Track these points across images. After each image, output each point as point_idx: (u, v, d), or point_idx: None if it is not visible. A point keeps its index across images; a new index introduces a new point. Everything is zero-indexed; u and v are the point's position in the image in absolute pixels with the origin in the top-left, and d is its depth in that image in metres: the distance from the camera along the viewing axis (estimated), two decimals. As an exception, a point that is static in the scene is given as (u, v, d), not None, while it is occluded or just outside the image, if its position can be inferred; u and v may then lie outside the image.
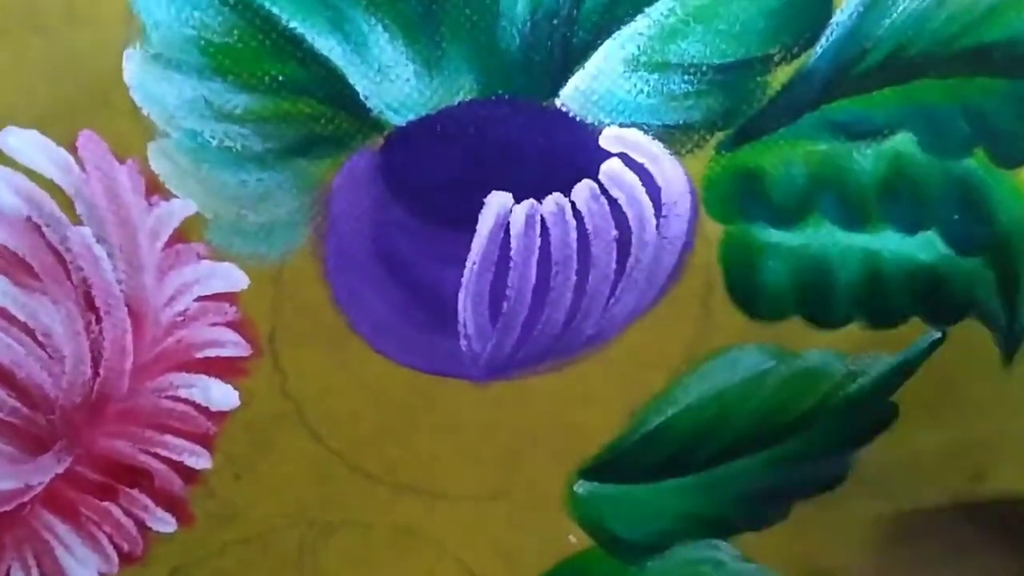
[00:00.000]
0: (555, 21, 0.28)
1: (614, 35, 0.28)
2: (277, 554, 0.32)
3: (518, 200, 0.30)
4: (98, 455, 0.30)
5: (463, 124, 0.29)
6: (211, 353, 0.30)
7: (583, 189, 0.30)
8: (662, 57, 0.29)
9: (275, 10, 0.27)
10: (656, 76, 0.29)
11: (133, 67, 0.27)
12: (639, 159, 0.30)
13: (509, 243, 0.30)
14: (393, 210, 0.29)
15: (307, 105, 0.28)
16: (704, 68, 0.29)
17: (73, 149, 0.27)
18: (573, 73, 0.29)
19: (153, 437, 0.30)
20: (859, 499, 0.34)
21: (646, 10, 0.28)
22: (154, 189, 0.28)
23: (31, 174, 0.27)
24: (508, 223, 0.30)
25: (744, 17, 0.28)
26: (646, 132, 0.29)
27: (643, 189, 0.30)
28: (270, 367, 0.30)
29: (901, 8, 0.30)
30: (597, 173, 0.30)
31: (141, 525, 0.31)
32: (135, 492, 0.31)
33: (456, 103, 0.28)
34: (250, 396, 0.30)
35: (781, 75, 0.29)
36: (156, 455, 0.30)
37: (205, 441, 0.31)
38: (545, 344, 0.32)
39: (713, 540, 0.34)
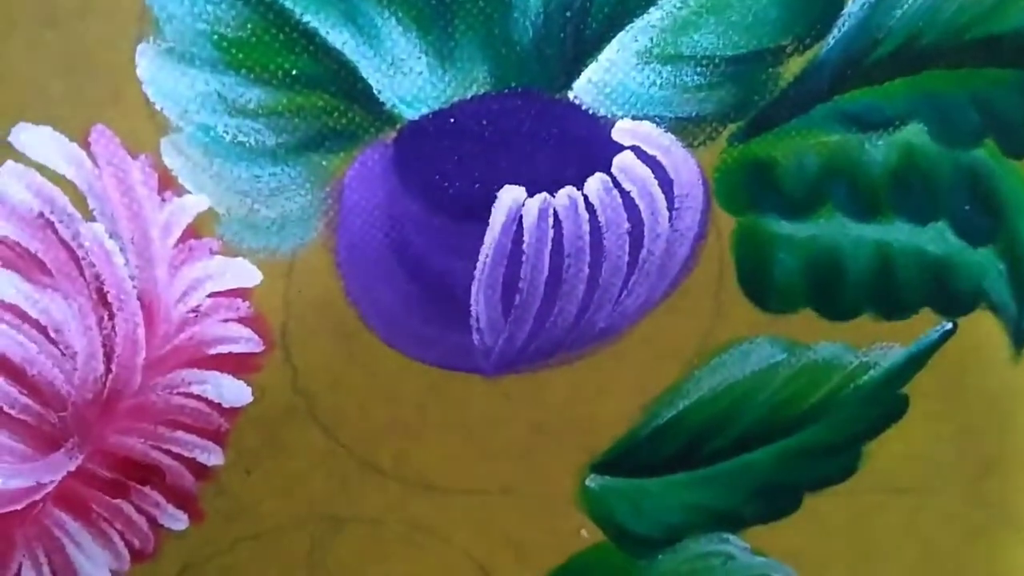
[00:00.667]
0: (568, 13, 0.28)
1: (627, 27, 0.28)
2: (287, 550, 0.32)
3: (531, 193, 0.30)
4: (110, 452, 0.30)
5: (476, 117, 0.28)
6: (223, 349, 0.30)
7: (596, 182, 0.30)
8: (675, 49, 0.29)
9: (288, 4, 0.26)
10: (669, 68, 0.29)
11: (146, 61, 0.26)
12: (651, 151, 0.30)
13: (522, 236, 0.30)
14: (406, 204, 0.29)
15: (320, 99, 0.28)
16: (716, 60, 0.29)
17: (86, 144, 0.27)
18: (586, 66, 0.29)
19: (165, 434, 0.30)
20: (869, 492, 0.34)
21: (658, 2, 0.28)
22: (167, 184, 0.28)
23: (43, 170, 0.27)
24: (521, 216, 0.30)
25: (756, 8, 0.28)
26: (659, 124, 0.29)
27: (655, 182, 0.30)
28: (282, 362, 0.30)
29: (912, -1, 0.30)
30: (610, 166, 0.30)
31: (153, 522, 0.31)
32: (147, 489, 0.31)
33: (469, 96, 0.28)
34: (261, 391, 0.30)
35: (793, 66, 0.29)
36: (168, 452, 0.30)
37: (217, 437, 0.30)
38: (557, 337, 0.31)
39: (723, 534, 0.34)
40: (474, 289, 0.30)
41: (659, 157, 0.30)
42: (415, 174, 0.29)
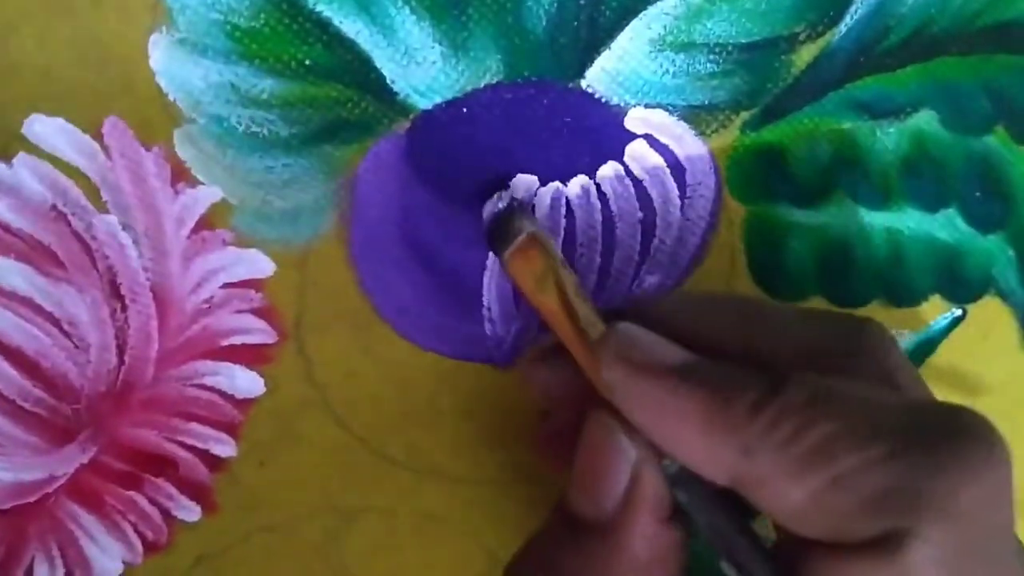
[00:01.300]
0: (581, 2, 0.28)
1: (640, 15, 0.28)
2: (301, 541, 0.32)
3: (544, 182, 0.29)
4: (123, 444, 0.30)
5: (489, 107, 0.28)
6: (236, 340, 0.30)
7: (608, 170, 0.30)
8: (688, 37, 0.29)
9: (302, -7, 0.26)
10: (682, 56, 0.29)
11: (159, 52, 0.26)
12: (664, 140, 0.30)
13: (534, 226, 0.30)
14: (419, 194, 0.29)
15: (334, 89, 0.27)
16: (730, 47, 0.29)
17: (99, 136, 0.27)
18: (599, 54, 0.29)
19: (178, 425, 0.30)
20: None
21: (672, -10, 0.28)
22: (180, 176, 0.28)
23: (56, 161, 0.27)
24: (534, 206, 0.30)
25: (769, -4, 0.28)
26: (671, 113, 0.29)
27: (668, 170, 0.30)
28: (295, 353, 0.30)
29: (924, -14, 0.30)
30: (622, 154, 0.30)
31: (166, 514, 0.31)
32: (160, 481, 0.30)
33: (482, 86, 0.28)
34: (275, 383, 0.30)
35: (806, 54, 0.29)
36: (181, 443, 0.30)
37: (230, 429, 0.30)
38: (569, 327, 0.31)
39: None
40: (487, 279, 0.30)
41: (671, 145, 0.30)
42: (428, 164, 0.29)
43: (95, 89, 0.27)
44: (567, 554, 0.26)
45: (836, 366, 0.24)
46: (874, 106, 0.30)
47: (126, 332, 0.29)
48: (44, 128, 0.27)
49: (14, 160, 0.27)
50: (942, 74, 0.30)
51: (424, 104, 0.28)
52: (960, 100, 0.31)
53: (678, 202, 0.30)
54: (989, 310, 0.33)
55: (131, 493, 0.30)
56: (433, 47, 0.28)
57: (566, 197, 0.30)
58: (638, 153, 0.30)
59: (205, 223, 0.28)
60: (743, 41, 0.29)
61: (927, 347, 0.33)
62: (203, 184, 0.28)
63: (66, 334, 0.28)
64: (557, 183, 0.29)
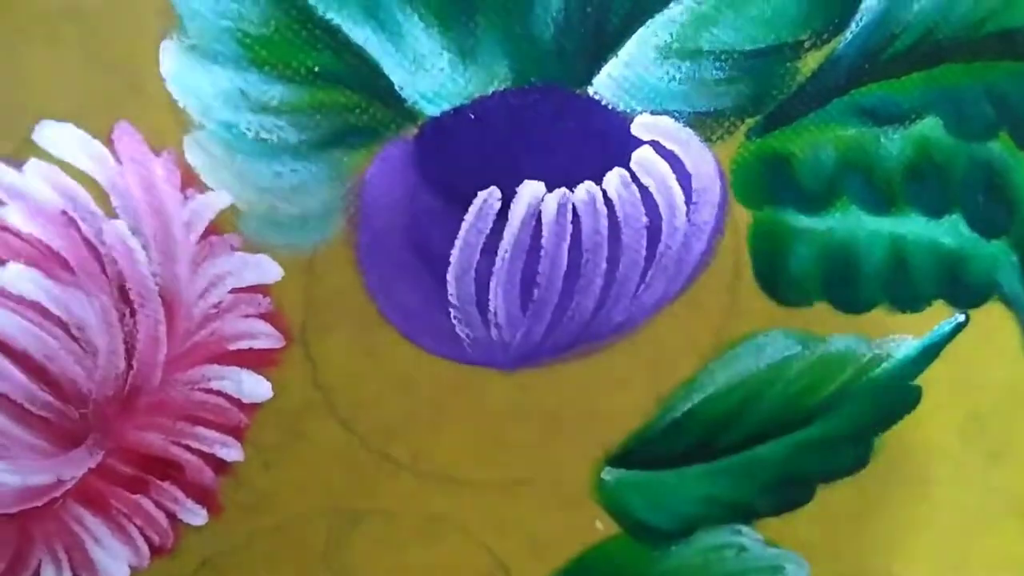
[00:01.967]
0: (588, 9, 0.28)
1: (647, 23, 0.28)
2: (305, 543, 0.32)
3: (550, 188, 0.30)
4: (130, 448, 0.30)
5: (496, 113, 0.29)
6: (244, 345, 0.30)
7: (614, 177, 0.30)
8: (694, 44, 0.29)
9: (311, 1, 0.26)
10: (688, 63, 0.29)
11: (169, 58, 0.26)
12: (670, 146, 0.30)
13: (540, 231, 0.30)
14: (426, 199, 0.29)
15: (342, 95, 0.28)
16: (735, 54, 0.29)
17: (108, 141, 0.27)
18: (606, 61, 0.29)
19: (185, 429, 0.30)
20: (881, 483, 0.34)
21: (678, -3, 0.29)
22: (189, 181, 0.28)
23: (66, 167, 0.27)
24: (540, 211, 0.30)
25: (775, 3, 0.29)
26: (677, 119, 0.30)
27: (674, 176, 0.30)
28: (301, 357, 0.30)
29: (929, -7, 0.30)
30: (629, 160, 0.30)
31: (172, 517, 0.31)
32: (166, 484, 0.31)
33: (490, 92, 0.28)
34: (281, 386, 0.30)
35: (811, 61, 0.30)
36: (187, 447, 0.30)
37: (236, 432, 0.31)
38: (574, 331, 0.32)
39: (737, 525, 0.34)
40: (492, 284, 0.30)
41: (677, 152, 0.30)
42: (436, 170, 0.29)
43: (105, 95, 0.27)
44: None
45: None
46: (879, 112, 0.30)
47: (134, 336, 0.29)
48: (54, 134, 0.27)
49: (24, 165, 0.27)
50: (946, 81, 0.31)
51: (432, 110, 0.28)
52: (964, 106, 0.31)
53: (684, 208, 0.30)
54: (993, 315, 0.33)
55: (137, 496, 0.30)
56: (441, 54, 0.28)
57: (572, 203, 0.30)
58: (644, 159, 0.30)
59: (214, 228, 0.28)
60: (749, 48, 0.29)
61: (930, 352, 0.33)
62: (212, 189, 0.28)
63: (74, 338, 0.29)
64: (563, 189, 0.30)
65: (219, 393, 0.30)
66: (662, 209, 0.30)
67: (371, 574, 0.33)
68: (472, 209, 0.29)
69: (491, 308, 0.31)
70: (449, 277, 0.30)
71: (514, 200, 0.29)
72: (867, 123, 0.31)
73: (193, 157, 0.28)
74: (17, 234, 0.28)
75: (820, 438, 0.33)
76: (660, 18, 0.28)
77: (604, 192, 0.30)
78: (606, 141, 0.29)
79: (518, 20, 0.28)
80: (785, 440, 0.33)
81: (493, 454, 0.32)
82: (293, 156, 0.28)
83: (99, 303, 0.28)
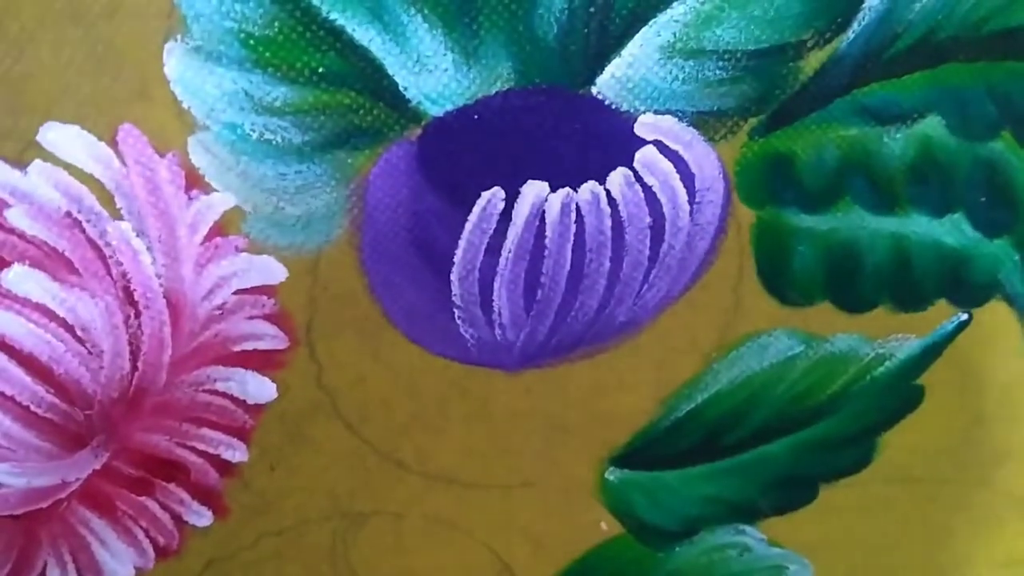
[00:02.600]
0: (591, 9, 0.28)
1: (650, 22, 0.28)
2: (310, 545, 0.32)
3: (554, 188, 0.30)
4: (135, 450, 0.30)
5: (500, 113, 0.29)
6: (248, 346, 0.30)
7: (618, 177, 0.30)
8: (697, 44, 0.29)
9: (315, 2, 0.27)
10: (691, 63, 0.29)
11: (174, 60, 0.26)
12: (673, 146, 0.30)
13: (544, 231, 0.30)
14: (430, 200, 0.29)
15: (346, 97, 0.28)
16: (738, 54, 0.29)
17: (113, 143, 0.27)
18: (609, 61, 0.29)
19: (190, 431, 0.30)
20: (883, 482, 0.34)
21: (681, -3, 0.29)
22: (194, 182, 0.28)
23: (71, 168, 0.27)
24: (543, 211, 0.30)
25: (778, 2, 0.29)
26: (680, 119, 0.30)
27: (677, 176, 0.30)
28: (306, 358, 0.30)
29: (931, -8, 0.30)
30: (632, 160, 0.30)
31: (177, 519, 0.31)
32: (171, 486, 0.31)
33: (493, 92, 0.28)
34: (286, 388, 0.30)
35: (813, 60, 0.30)
36: (193, 449, 0.30)
37: (241, 434, 0.31)
38: (578, 331, 0.32)
39: (740, 525, 0.34)
40: (496, 284, 0.30)
41: (681, 151, 0.30)
42: (439, 171, 0.29)
43: (110, 96, 0.27)
44: None
45: None
46: (881, 112, 0.31)
47: (139, 338, 0.29)
48: (59, 135, 0.27)
49: (29, 167, 0.27)
50: (949, 80, 0.31)
51: (435, 111, 0.28)
52: (966, 106, 0.31)
53: (687, 207, 0.30)
54: (995, 314, 0.33)
55: (143, 498, 0.31)
56: (445, 54, 0.28)
57: (576, 203, 0.30)
58: (648, 159, 0.30)
59: (218, 229, 0.28)
60: (752, 48, 0.29)
61: (933, 351, 0.33)
62: (216, 191, 0.28)
63: (79, 340, 0.29)
64: (567, 189, 0.30)
65: (224, 394, 0.30)
66: (665, 209, 0.30)
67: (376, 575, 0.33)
68: (476, 209, 0.29)
69: (495, 308, 0.31)
70: (453, 277, 0.30)
71: (518, 200, 0.29)
72: (870, 123, 0.31)
73: (197, 158, 0.28)
74: (22, 236, 0.28)
75: (823, 438, 0.33)
76: (663, 18, 0.28)
77: (608, 192, 0.30)
78: (609, 141, 0.29)
79: (521, 21, 0.28)
80: (788, 440, 0.33)
81: (497, 455, 0.32)
82: (297, 157, 0.28)
83: (104, 305, 0.28)
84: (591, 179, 0.30)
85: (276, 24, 0.26)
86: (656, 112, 0.29)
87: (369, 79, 0.28)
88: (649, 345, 0.32)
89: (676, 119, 0.29)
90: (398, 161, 0.29)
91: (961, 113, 0.31)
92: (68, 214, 0.28)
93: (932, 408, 0.33)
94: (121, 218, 0.28)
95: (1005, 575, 0.36)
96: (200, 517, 0.31)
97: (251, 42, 0.27)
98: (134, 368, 0.29)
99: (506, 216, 0.30)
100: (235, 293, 0.29)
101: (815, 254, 0.32)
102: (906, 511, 0.35)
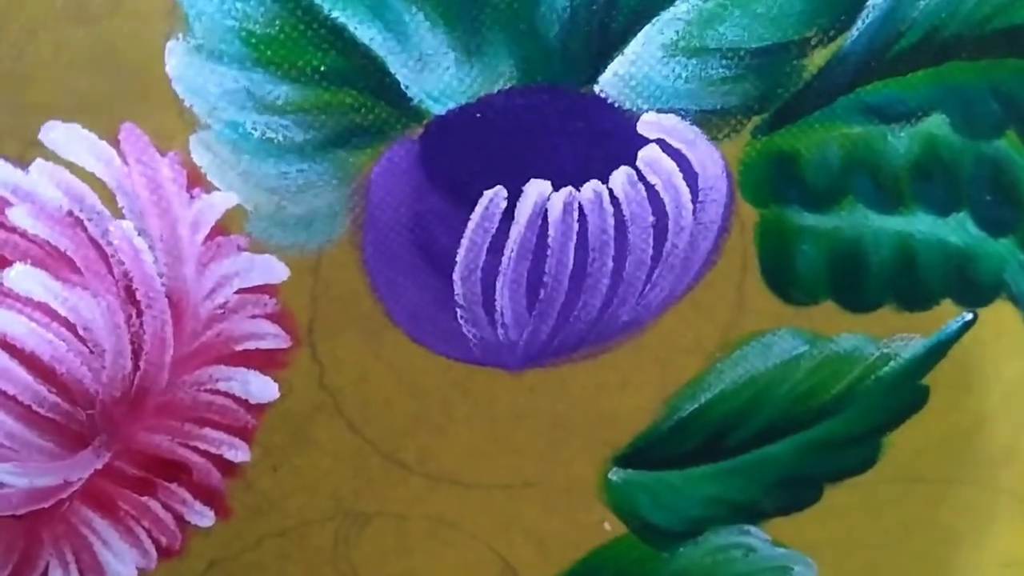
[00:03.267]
0: (594, 7, 0.28)
1: (653, 21, 0.28)
2: (313, 546, 0.32)
3: (556, 187, 0.30)
4: (137, 450, 0.30)
5: (502, 112, 0.29)
6: (250, 345, 0.30)
7: (621, 175, 0.30)
8: (700, 42, 0.29)
9: (317, 0, 0.27)
10: (694, 61, 0.29)
11: (175, 59, 0.26)
12: (676, 145, 0.30)
13: (547, 230, 0.30)
14: (432, 199, 0.29)
15: (348, 95, 0.28)
16: (742, 52, 0.29)
17: (115, 142, 0.27)
18: (612, 59, 0.29)
19: (192, 431, 0.30)
20: (888, 482, 0.34)
21: (684, -5, 0.29)
22: (195, 181, 0.28)
23: (73, 167, 0.27)
24: (546, 210, 0.30)
25: (782, 0, 0.29)
26: (683, 117, 0.30)
27: (680, 175, 0.30)
28: (308, 358, 0.30)
29: (935, -10, 0.30)
30: (635, 159, 0.30)
31: (179, 519, 0.31)
32: (174, 486, 0.31)
33: (495, 91, 0.28)
34: (288, 387, 0.30)
35: (817, 58, 0.30)
36: (195, 449, 0.30)
37: (244, 434, 0.31)
38: (581, 331, 0.32)
39: (744, 526, 0.34)
40: (499, 283, 0.30)
41: (684, 150, 0.30)
42: (441, 169, 0.29)
43: (111, 95, 0.27)
44: None
45: None
46: (885, 110, 0.30)
47: (141, 337, 0.29)
48: (61, 134, 0.27)
49: (31, 166, 0.27)
50: (953, 78, 0.31)
51: (437, 109, 0.28)
52: (971, 104, 0.31)
53: (690, 206, 0.30)
54: (1001, 314, 0.33)
55: (145, 498, 0.31)
56: (447, 53, 0.28)
57: (578, 202, 0.30)
58: (650, 158, 0.30)
59: (220, 229, 0.29)
60: (755, 46, 0.29)
61: (938, 351, 0.33)
62: (218, 190, 0.28)
63: (81, 340, 0.29)
64: (570, 188, 0.30)
65: (226, 394, 0.30)
66: (668, 208, 0.30)
67: (379, 576, 0.33)
68: (478, 208, 0.29)
69: (497, 308, 0.31)
70: (455, 277, 0.30)
71: (520, 199, 0.29)
72: (873, 121, 0.31)
73: (199, 157, 0.28)
74: (24, 235, 0.28)
75: (828, 438, 0.33)
76: (666, 16, 0.28)
77: (610, 191, 0.30)
78: (612, 140, 0.29)
79: (524, 19, 0.28)
80: (793, 440, 0.33)
81: (500, 455, 0.32)
82: (299, 156, 0.28)
83: (106, 304, 0.28)
84: (594, 178, 0.30)
85: (278, 22, 0.26)
86: (659, 110, 0.29)
87: (371, 77, 0.28)
88: (652, 345, 0.32)
89: (679, 117, 0.29)
90: (400, 160, 0.29)
91: (965, 111, 0.31)
92: (70, 213, 0.28)
93: (937, 408, 0.33)
94: (123, 217, 0.28)
95: (1009, 575, 0.36)
96: (202, 517, 0.31)
97: (253, 40, 0.27)
98: (136, 367, 0.29)
99: (508, 215, 0.30)
100: (237, 292, 0.29)
101: (819, 253, 0.32)
102: (911, 511, 0.35)
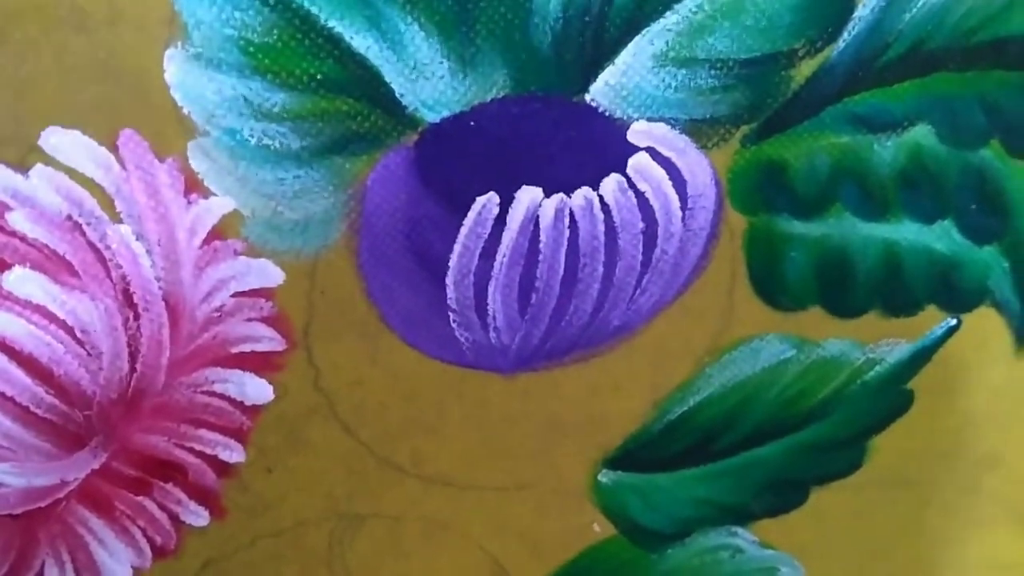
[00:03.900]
0: (586, 18, 0.28)
1: (643, 31, 0.29)
2: (307, 547, 0.33)
3: (548, 194, 0.30)
4: (133, 450, 0.30)
5: (495, 120, 0.29)
6: (246, 348, 0.30)
7: (611, 183, 0.30)
8: (690, 52, 0.29)
9: (314, 10, 0.27)
10: (684, 71, 0.29)
11: (174, 66, 0.27)
12: (666, 153, 0.30)
13: (538, 237, 0.30)
14: (426, 205, 0.29)
15: (344, 103, 0.28)
16: (731, 63, 0.29)
17: (114, 148, 0.28)
18: (603, 69, 0.29)
19: (188, 432, 0.30)
20: (874, 485, 0.34)
21: (675, 6, 0.29)
22: (193, 187, 0.28)
23: (72, 173, 0.27)
24: (538, 217, 0.30)
25: (770, 12, 0.29)
26: (673, 126, 0.30)
27: (670, 182, 0.30)
28: (304, 361, 0.30)
29: (921, 2, 0.30)
30: (625, 167, 0.30)
31: (175, 519, 0.31)
32: (169, 486, 0.31)
33: (489, 99, 0.29)
34: (283, 390, 0.31)
35: (805, 69, 0.30)
36: (190, 449, 0.31)
37: (239, 435, 0.31)
38: (572, 335, 0.32)
39: (732, 527, 0.34)
40: (491, 288, 0.31)
41: (673, 158, 0.30)
42: (436, 176, 0.29)
43: (111, 102, 0.27)
44: None
45: None
46: (872, 120, 0.31)
47: (138, 340, 0.29)
48: (61, 140, 0.27)
49: (31, 171, 0.27)
50: (939, 89, 0.31)
51: (432, 117, 0.29)
52: (956, 114, 0.31)
53: (680, 213, 0.31)
54: (984, 319, 0.33)
55: (141, 498, 0.31)
56: (441, 62, 0.28)
57: (569, 208, 0.30)
58: (640, 165, 0.30)
59: (217, 233, 0.29)
60: (744, 57, 0.29)
61: (923, 356, 0.34)
62: (215, 195, 0.28)
63: (79, 342, 0.29)
64: (561, 195, 0.30)
65: (222, 396, 0.30)
66: (658, 215, 0.31)
67: (372, 577, 0.33)
68: (471, 214, 0.29)
69: (490, 312, 0.31)
70: (448, 282, 0.30)
71: (512, 206, 0.30)
72: (860, 130, 0.31)
73: (197, 163, 0.28)
74: (23, 238, 0.28)
75: (814, 441, 0.34)
76: (656, 27, 0.29)
77: (601, 198, 0.30)
78: (603, 148, 0.30)
79: (517, 29, 0.28)
80: (780, 443, 0.34)
81: (493, 458, 0.33)
82: (296, 162, 0.28)
83: (104, 307, 0.29)
84: (585, 185, 0.30)
85: (275, 31, 0.27)
86: (649, 119, 0.30)
87: (367, 86, 0.28)
88: (643, 349, 0.32)
89: (669, 126, 0.30)
90: (395, 167, 0.29)
91: (951, 122, 0.31)
92: (69, 217, 0.28)
93: (922, 412, 0.34)
94: (121, 222, 0.28)
95: (993, 578, 0.36)
96: (198, 517, 0.31)
97: (251, 49, 0.27)
98: (133, 369, 0.29)
99: (501, 221, 0.30)
100: (233, 296, 0.29)
101: (807, 260, 0.32)
102: (897, 514, 0.35)
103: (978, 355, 0.34)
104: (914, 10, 0.30)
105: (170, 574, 0.31)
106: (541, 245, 0.30)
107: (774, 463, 0.33)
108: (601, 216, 0.30)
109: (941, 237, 0.32)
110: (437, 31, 0.27)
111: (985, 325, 0.33)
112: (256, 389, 0.30)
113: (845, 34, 0.30)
